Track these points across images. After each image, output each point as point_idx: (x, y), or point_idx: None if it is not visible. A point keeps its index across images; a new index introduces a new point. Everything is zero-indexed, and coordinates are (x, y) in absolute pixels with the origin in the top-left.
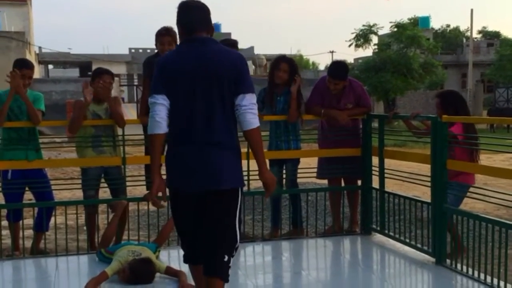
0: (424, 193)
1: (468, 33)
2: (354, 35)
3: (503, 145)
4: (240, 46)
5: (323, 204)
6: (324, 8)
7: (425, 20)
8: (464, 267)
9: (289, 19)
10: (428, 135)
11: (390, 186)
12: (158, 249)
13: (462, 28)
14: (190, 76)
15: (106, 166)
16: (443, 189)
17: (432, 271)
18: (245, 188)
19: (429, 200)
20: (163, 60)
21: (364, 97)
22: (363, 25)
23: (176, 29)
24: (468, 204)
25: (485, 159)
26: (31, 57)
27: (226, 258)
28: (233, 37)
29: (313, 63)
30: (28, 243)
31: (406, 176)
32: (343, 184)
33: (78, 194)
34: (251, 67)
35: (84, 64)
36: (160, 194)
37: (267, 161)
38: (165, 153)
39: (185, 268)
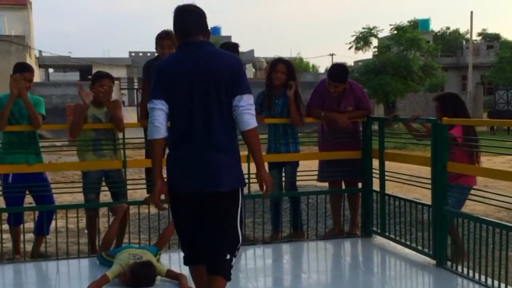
0: (424, 196)
1: (468, 36)
2: (354, 37)
3: (503, 147)
4: (240, 49)
5: (323, 206)
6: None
7: (425, 22)
8: (465, 269)
9: (289, 22)
10: (428, 138)
11: (391, 188)
12: (159, 252)
13: (462, 31)
14: (187, 80)
15: (106, 169)
16: (443, 191)
17: (433, 273)
18: (245, 191)
19: (429, 203)
20: (161, 64)
21: (364, 99)
22: (363, 28)
23: None
24: (468, 206)
25: (485, 161)
26: (31, 61)
27: (228, 257)
28: (233, 40)
29: (313, 66)
30: (29, 247)
31: (407, 179)
32: (343, 187)
33: (79, 198)
34: (251, 70)
35: (84, 67)
36: (162, 196)
37: (266, 164)
38: (165, 156)
39: (185, 271)
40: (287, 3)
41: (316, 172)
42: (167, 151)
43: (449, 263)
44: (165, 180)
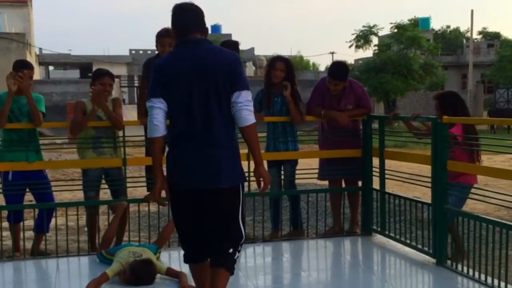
0: (424, 194)
1: (468, 34)
2: (354, 36)
3: (504, 146)
4: (240, 47)
5: (323, 205)
6: (324, 9)
7: (425, 21)
8: (465, 268)
9: (290, 20)
10: (429, 136)
11: (391, 187)
12: (158, 250)
13: (462, 29)
14: (186, 78)
15: (106, 167)
16: (443, 190)
17: (433, 272)
18: (245, 189)
19: (429, 201)
20: (159, 63)
21: (364, 98)
22: (363, 26)
23: None
24: (468, 205)
25: (485, 160)
26: (31, 59)
27: (231, 251)
28: (233, 38)
29: (314, 64)
30: (29, 244)
31: (407, 177)
32: (343, 185)
33: (79, 195)
34: (252, 68)
35: (84, 65)
36: (163, 193)
37: (266, 163)
38: (165, 154)
39: (185, 269)
40: (288, 2)
41: (316, 170)
42: (167, 148)
43: (449, 261)
44: (165, 177)
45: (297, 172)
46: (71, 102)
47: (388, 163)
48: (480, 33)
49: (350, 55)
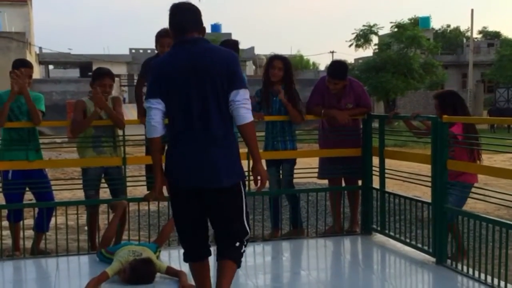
0: (424, 193)
1: (469, 33)
2: (354, 35)
3: (504, 145)
4: (240, 46)
5: (323, 204)
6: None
7: (426, 20)
8: (465, 267)
9: (290, 19)
10: (429, 136)
11: (391, 186)
12: (158, 249)
13: (462, 28)
14: (184, 77)
15: (106, 166)
16: (443, 189)
17: (433, 271)
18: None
19: (429, 200)
20: (157, 63)
21: (364, 97)
22: (364, 25)
23: None
24: (468, 204)
25: (485, 159)
26: (31, 58)
27: (237, 244)
28: (233, 37)
29: (314, 63)
30: (29, 244)
31: (407, 176)
32: (343, 184)
33: (79, 195)
34: (252, 67)
35: (84, 64)
36: (164, 188)
37: (264, 162)
38: (164, 153)
39: (185, 268)
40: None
41: (316, 170)
42: (166, 147)
43: (448, 261)
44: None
45: (297, 171)
46: (71, 101)
47: (388, 162)
48: (480, 32)
49: (350, 54)
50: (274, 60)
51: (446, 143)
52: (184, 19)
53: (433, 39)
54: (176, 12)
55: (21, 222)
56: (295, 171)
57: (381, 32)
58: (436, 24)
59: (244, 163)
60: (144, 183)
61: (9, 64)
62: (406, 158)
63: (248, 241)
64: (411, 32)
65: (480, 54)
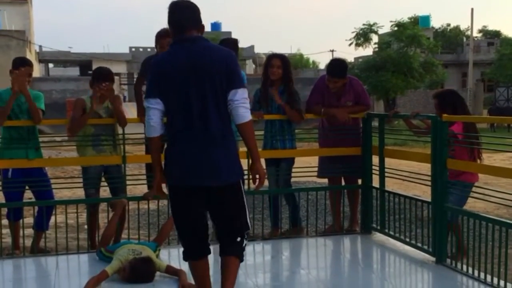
0: (424, 192)
1: (469, 32)
2: (354, 34)
3: (504, 144)
4: (240, 45)
5: (323, 203)
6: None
7: (426, 19)
8: (464, 266)
9: (290, 18)
10: (428, 134)
11: (390, 185)
12: (158, 248)
13: (462, 27)
14: (183, 76)
15: (106, 164)
16: (443, 188)
17: (432, 270)
18: (245, 187)
19: (429, 199)
20: (156, 62)
21: (364, 95)
22: (364, 24)
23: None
24: (468, 204)
25: (485, 158)
26: (31, 56)
27: (239, 239)
28: (233, 36)
29: (313, 62)
30: (28, 242)
31: (406, 175)
32: (343, 183)
33: (78, 193)
34: (252, 66)
35: (84, 63)
36: (163, 186)
37: (264, 161)
38: (164, 152)
39: (185, 266)
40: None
41: (316, 169)
42: (165, 146)
43: (448, 260)
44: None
45: (296, 170)
46: (71, 100)
47: (388, 161)
48: (480, 31)
49: (350, 53)
50: (273, 58)
51: (446, 142)
52: (183, 16)
53: (433, 38)
54: (175, 9)
55: (21, 221)
56: (294, 170)
57: (381, 31)
58: (436, 23)
59: (244, 162)
60: (144, 181)
61: (9, 62)
62: (406, 157)
63: (248, 234)
64: (411, 31)
65: (480, 53)
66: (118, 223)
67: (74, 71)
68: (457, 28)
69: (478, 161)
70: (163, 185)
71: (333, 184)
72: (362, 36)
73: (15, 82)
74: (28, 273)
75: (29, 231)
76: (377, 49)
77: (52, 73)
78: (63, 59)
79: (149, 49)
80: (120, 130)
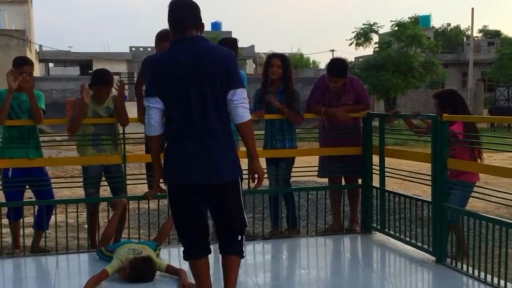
0: (424, 192)
1: (469, 32)
2: (354, 33)
3: (504, 144)
4: (241, 44)
5: (323, 202)
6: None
7: (426, 19)
8: (465, 266)
9: (290, 18)
10: (429, 134)
11: (391, 184)
12: (158, 248)
13: (462, 27)
14: (183, 74)
15: (106, 164)
16: (443, 188)
17: (433, 269)
18: (245, 187)
19: (429, 199)
20: (156, 60)
21: (364, 95)
22: (364, 24)
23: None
24: (468, 203)
25: (486, 158)
26: (31, 55)
27: (239, 238)
28: (233, 35)
29: (314, 62)
30: (29, 241)
31: (407, 175)
32: (343, 183)
33: (79, 193)
34: (252, 66)
35: (84, 62)
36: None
37: (264, 160)
38: (164, 150)
39: (185, 266)
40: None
41: (316, 168)
42: (165, 145)
43: (448, 259)
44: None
45: (297, 170)
46: (71, 99)
47: (388, 161)
48: (480, 31)
49: (350, 53)
50: (273, 58)
51: (446, 141)
52: (184, 15)
53: (434, 37)
54: (175, 8)
55: (21, 220)
56: (295, 169)
57: (381, 31)
58: (437, 22)
59: (244, 162)
60: (144, 181)
61: (9, 62)
62: (406, 156)
63: (245, 230)
64: (412, 30)
65: (481, 53)
66: (119, 222)
67: (74, 71)
68: (457, 27)
69: (479, 160)
70: (163, 185)
71: (333, 183)
72: (363, 36)
73: (22, 85)
74: (28, 272)
75: (29, 231)
76: (377, 49)
77: (52, 73)
78: (63, 59)
79: (149, 49)
80: (120, 130)
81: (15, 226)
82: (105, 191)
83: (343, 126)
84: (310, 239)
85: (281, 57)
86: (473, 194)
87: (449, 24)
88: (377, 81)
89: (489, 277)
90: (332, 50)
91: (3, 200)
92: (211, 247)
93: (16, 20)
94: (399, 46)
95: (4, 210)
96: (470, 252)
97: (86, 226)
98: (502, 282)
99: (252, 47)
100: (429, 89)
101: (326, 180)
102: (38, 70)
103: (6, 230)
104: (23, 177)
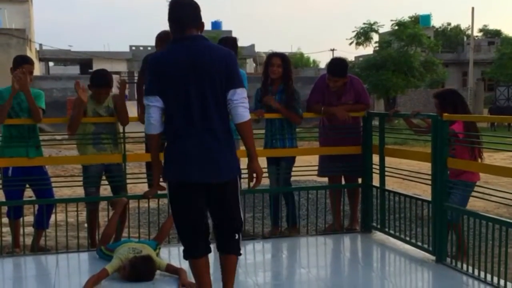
0: (424, 191)
1: (469, 32)
2: (355, 33)
3: (504, 144)
4: (241, 44)
5: (323, 202)
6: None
7: (426, 18)
8: (464, 266)
9: (290, 17)
10: (429, 133)
11: (391, 184)
12: (158, 247)
13: (463, 27)
14: (183, 74)
15: (107, 163)
16: (443, 187)
17: (432, 269)
18: (245, 186)
19: (429, 198)
20: (155, 60)
21: (364, 94)
22: (364, 23)
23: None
24: (468, 203)
25: (486, 157)
26: (31, 54)
27: (236, 237)
28: (234, 34)
29: (314, 61)
30: (29, 240)
31: (407, 174)
32: (343, 182)
33: (79, 192)
34: (252, 65)
35: (84, 61)
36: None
37: (265, 160)
38: (164, 149)
39: (185, 265)
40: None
41: (316, 167)
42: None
43: (448, 259)
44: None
45: (297, 169)
46: (71, 98)
47: (388, 160)
48: (480, 30)
49: (351, 52)
50: (273, 57)
51: (446, 141)
52: (184, 14)
53: (434, 37)
54: (175, 6)
55: (21, 219)
56: (294, 169)
57: (381, 30)
58: (437, 22)
59: (244, 161)
60: (144, 180)
61: (9, 61)
62: (406, 156)
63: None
64: (412, 30)
65: (481, 52)
66: (119, 221)
67: (75, 70)
68: (457, 27)
69: (479, 160)
70: (163, 184)
71: (333, 183)
72: (363, 35)
73: (17, 82)
74: (28, 271)
75: (29, 230)
76: (377, 48)
77: (53, 72)
78: (63, 58)
79: (149, 48)
80: (120, 129)
81: (15, 225)
82: (105, 190)
83: (343, 125)
84: (310, 239)
85: (282, 56)
86: (473, 193)
87: (449, 24)
88: (377, 81)
89: (489, 277)
90: (332, 50)
91: (3, 199)
92: (211, 246)
93: (16, 19)
94: (399, 45)
95: (4, 209)
96: (470, 251)
97: (86, 225)
98: (502, 282)
99: (252, 46)
100: (429, 88)
101: (326, 179)
102: (38, 69)
103: (6, 229)
104: (23, 176)
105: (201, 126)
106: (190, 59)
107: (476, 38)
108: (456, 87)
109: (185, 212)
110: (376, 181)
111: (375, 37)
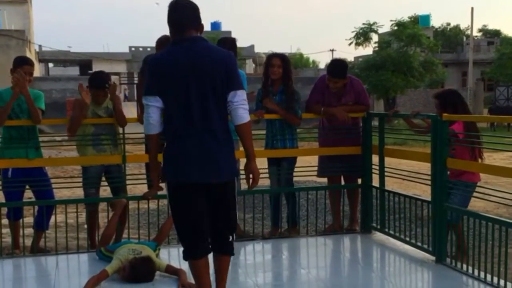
0: (424, 192)
1: (469, 32)
2: (354, 33)
3: (504, 144)
4: (240, 44)
5: (323, 202)
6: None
7: (426, 18)
8: (464, 266)
9: (290, 18)
10: (429, 134)
11: (390, 184)
12: (158, 248)
13: (462, 27)
14: (183, 75)
15: (106, 164)
16: (443, 187)
17: (432, 269)
18: (245, 187)
19: (429, 199)
20: (155, 60)
21: (364, 95)
22: (364, 24)
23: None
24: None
25: (485, 157)
26: (31, 55)
27: (230, 239)
28: (233, 35)
29: (313, 62)
30: (28, 242)
31: (406, 175)
32: (343, 183)
33: (78, 193)
34: (252, 66)
35: (84, 62)
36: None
37: (265, 160)
38: (163, 149)
39: (185, 266)
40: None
41: (316, 168)
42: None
43: (448, 259)
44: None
45: (296, 169)
46: (71, 99)
47: (388, 160)
48: (480, 30)
49: (350, 53)
50: (273, 58)
51: (446, 141)
52: (184, 15)
53: (433, 37)
54: (175, 8)
55: (21, 220)
56: (295, 169)
57: (381, 30)
58: (436, 22)
59: (244, 161)
60: (144, 181)
61: (9, 62)
62: (406, 156)
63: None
64: (411, 30)
65: (480, 52)
66: (119, 223)
67: (74, 71)
68: (457, 27)
69: (480, 160)
70: (162, 185)
71: (333, 183)
72: (362, 36)
73: (18, 83)
74: (28, 272)
75: (29, 231)
76: (377, 49)
77: (52, 73)
78: (63, 59)
79: (149, 49)
80: (120, 130)
81: (15, 226)
82: (104, 191)
83: (342, 126)
84: (310, 239)
85: (281, 57)
86: (473, 193)
87: (448, 24)
88: (376, 81)
89: (489, 277)
90: (332, 50)
91: (3, 200)
92: (211, 247)
93: (16, 20)
94: (399, 45)
95: (4, 210)
96: (470, 251)
97: (85, 226)
98: (502, 282)
99: (252, 47)
100: (429, 88)
101: (325, 180)
102: (37, 70)
103: (6, 230)
104: (23, 177)
105: (201, 126)
106: (190, 60)
107: (476, 38)
108: (456, 87)
109: (185, 212)
110: (375, 182)
111: (375, 37)
